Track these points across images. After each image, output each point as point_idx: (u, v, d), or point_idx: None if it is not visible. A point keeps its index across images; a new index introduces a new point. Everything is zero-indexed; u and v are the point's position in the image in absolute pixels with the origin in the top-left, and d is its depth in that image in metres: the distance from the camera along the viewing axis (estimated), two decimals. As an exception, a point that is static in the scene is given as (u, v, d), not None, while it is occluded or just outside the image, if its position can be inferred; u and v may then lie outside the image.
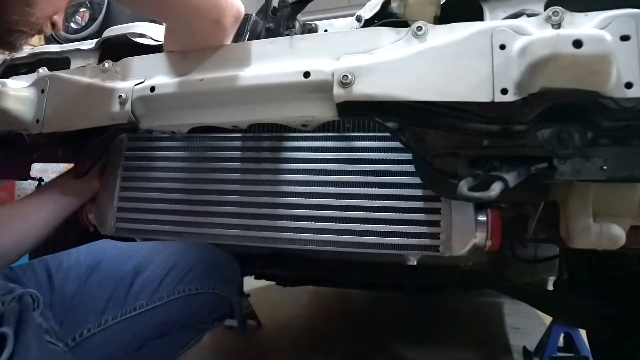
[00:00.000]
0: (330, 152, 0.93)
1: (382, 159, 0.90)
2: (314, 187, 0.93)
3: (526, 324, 2.45)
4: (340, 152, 0.92)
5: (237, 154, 1.00)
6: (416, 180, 0.87)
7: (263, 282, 2.09)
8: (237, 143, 1.01)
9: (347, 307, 3.01)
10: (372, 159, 0.90)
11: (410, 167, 0.87)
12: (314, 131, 0.93)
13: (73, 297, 0.80)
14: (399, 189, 0.88)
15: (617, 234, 0.79)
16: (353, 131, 0.94)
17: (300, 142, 0.95)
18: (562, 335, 1.78)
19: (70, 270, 0.83)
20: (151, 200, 1.05)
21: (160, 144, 1.07)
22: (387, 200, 0.88)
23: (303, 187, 0.93)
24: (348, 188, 0.91)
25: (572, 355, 1.74)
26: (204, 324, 0.95)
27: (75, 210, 1.05)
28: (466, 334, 2.35)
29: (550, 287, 2.03)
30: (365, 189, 0.90)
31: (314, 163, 0.93)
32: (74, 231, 1.37)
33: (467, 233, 0.86)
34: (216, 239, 0.99)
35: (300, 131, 0.93)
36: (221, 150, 1.01)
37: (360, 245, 0.89)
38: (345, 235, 0.90)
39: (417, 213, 0.87)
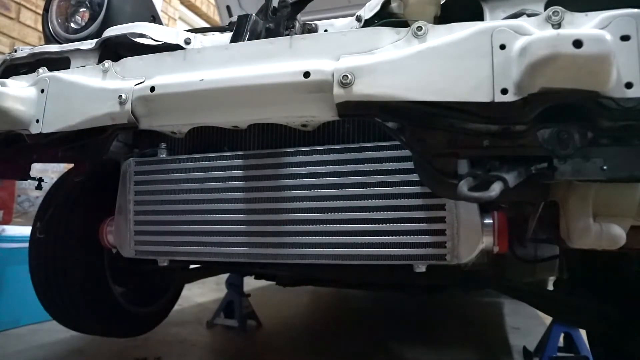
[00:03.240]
0: (333, 165, 0.92)
1: (385, 170, 0.88)
2: (319, 203, 0.92)
3: (526, 324, 2.44)
4: (343, 164, 0.91)
5: (243, 172, 0.99)
6: (419, 189, 0.86)
7: (263, 282, 2.09)
8: (244, 162, 1.00)
9: (347, 307, 3.01)
10: (375, 170, 0.89)
11: (412, 177, 0.86)
12: (315, 144, 0.93)
13: None
14: (403, 200, 0.87)
15: (617, 234, 0.79)
16: (355, 139, 0.93)
17: (302, 156, 0.94)
18: (562, 335, 1.78)
19: None
20: (164, 222, 1.06)
21: (167, 167, 1.07)
22: (391, 211, 0.87)
23: (307, 202, 0.93)
24: (353, 201, 0.90)
25: (572, 355, 1.74)
26: None
27: None
28: (466, 334, 2.35)
29: (550, 287, 2.03)
30: (370, 201, 0.89)
31: (317, 178, 0.92)
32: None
33: (474, 240, 0.85)
34: (229, 257, 0.99)
35: (302, 145, 0.93)
36: (229, 170, 1.01)
37: (368, 258, 0.89)
38: (353, 248, 0.89)
39: (423, 223, 0.86)
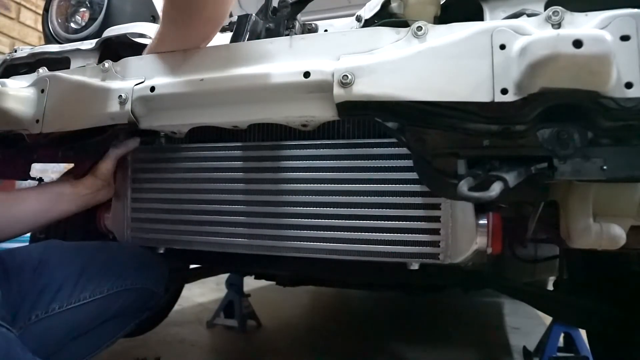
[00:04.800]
0: (331, 160, 0.91)
1: (382, 167, 0.88)
2: (315, 197, 0.92)
3: (526, 324, 2.45)
4: (341, 160, 0.91)
5: (241, 163, 0.99)
6: (416, 188, 0.86)
7: (263, 282, 2.10)
8: (242, 153, 1.00)
9: (347, 307, 3.01)
10: (372, 166, 0.89)
11: (409, 175, 0.86)
12: (314, 139, 0.92)
13: (28, 288, 0.89)
14: (399, 197, 0.87)
15: (617, 234, 0.79)
16: (353, 136, 0.93)
17: (301, 150, 0.94)
18: (562, 335, 1.78)
19: (24, 264, 0.92)
20: (161, 210, 1.06)
21: (165, 155, 1.07)
22: (387, 208, 0.87)
23: (304, 196, 0.92)
24: (349, 197, 0.90)
25: (572, 355, 1.74)
26: (136, 313, 1.08)
27: (71, 213, 1.06)
28: (466, 334, 2.35)
29: (550, 287, 2.03)
30: (366, 197, 0.89)
31: (314, 172, 0.92)
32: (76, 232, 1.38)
33: (468, 240, 0.85)
34: (224, 247, 0.99)
35: (301, 139, 0.93)
36: (228, 160, 1.00)
37: (360, 254, 0.89)
38: (347, 243, 0.89)
39: (417, 221, 0.86)
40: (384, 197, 0.88)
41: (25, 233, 1.06)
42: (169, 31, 0.85)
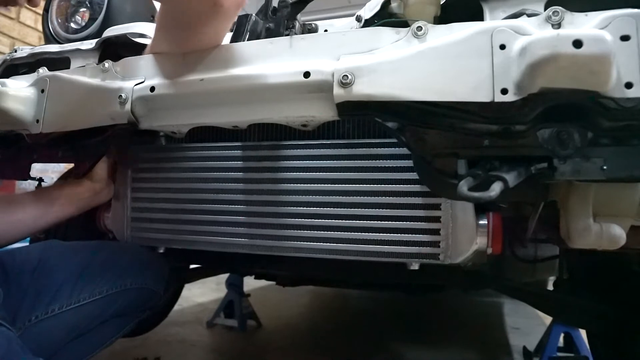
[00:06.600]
0: (331, 160, 0.92)
1: (382, 167, 0.88)
2: (316, 197, 0.92)
3: (526, 324, 2.45)
4: (341, 160, 0.91)
5: (241, 163, 1.00)
6: (416, 188, 0.86)
7: (263, 282, 2.09)
8: (242, 153, 1.00)
9: (347, 307, 3.00)
10: (372, 166, 0.89)
11: (409, 175, 0.86)
12: (314, 139, 0.93)
13: (27, 289, 0.89)
14: (399, 197, 0.87)
15: (617, 234, 0.79)
16: (353, 137, 0.93)
17: (301, 150, 0.94)
18: (562, 335, 1.78)
19: (24, 264, 0.92)
20: (161, 210, 1.06)
21: (165, 155, 1.07)
22: (387, 209, 0.88)
23: (305, 196, 0.93)
24: (349, 197, 0.90)
25: (572, 355, 1.74)
26: (136, 313, 1.08)
27: (70, 216, 1.07)
28: (466, 334, 2.35)
29: (550, 287, 2.03)
30: (366, 197, 0.89)
31: (314, 172, 0.93)
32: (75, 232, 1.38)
33: (468, 240, 0.85)
34: (224, 247, 1.00)
35: (301, 139, 0.93)
36: (227, 160, 1.01)
37: (361, 254, 0.89)
38: (347, 244, 0.90)
39: (417, 221, 0.86)
40: (384, 197, 0.88)
41: (26, 237, 1.07)
42: (162, 46, 0.85)
